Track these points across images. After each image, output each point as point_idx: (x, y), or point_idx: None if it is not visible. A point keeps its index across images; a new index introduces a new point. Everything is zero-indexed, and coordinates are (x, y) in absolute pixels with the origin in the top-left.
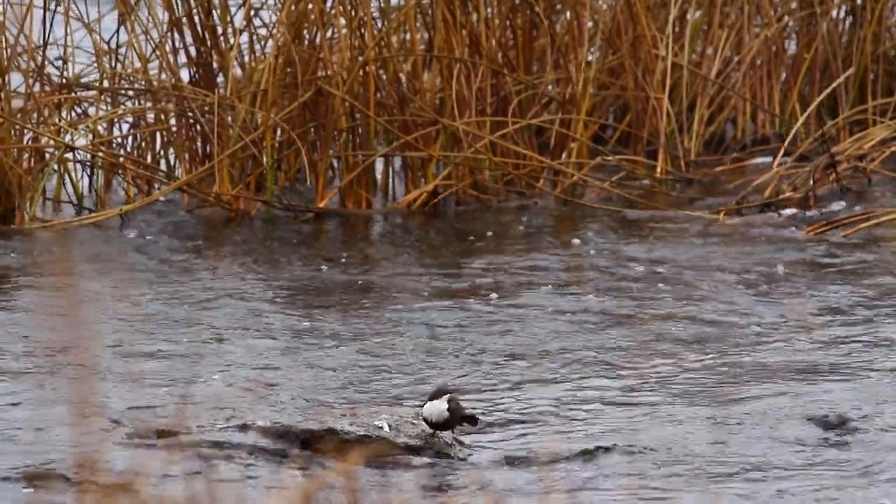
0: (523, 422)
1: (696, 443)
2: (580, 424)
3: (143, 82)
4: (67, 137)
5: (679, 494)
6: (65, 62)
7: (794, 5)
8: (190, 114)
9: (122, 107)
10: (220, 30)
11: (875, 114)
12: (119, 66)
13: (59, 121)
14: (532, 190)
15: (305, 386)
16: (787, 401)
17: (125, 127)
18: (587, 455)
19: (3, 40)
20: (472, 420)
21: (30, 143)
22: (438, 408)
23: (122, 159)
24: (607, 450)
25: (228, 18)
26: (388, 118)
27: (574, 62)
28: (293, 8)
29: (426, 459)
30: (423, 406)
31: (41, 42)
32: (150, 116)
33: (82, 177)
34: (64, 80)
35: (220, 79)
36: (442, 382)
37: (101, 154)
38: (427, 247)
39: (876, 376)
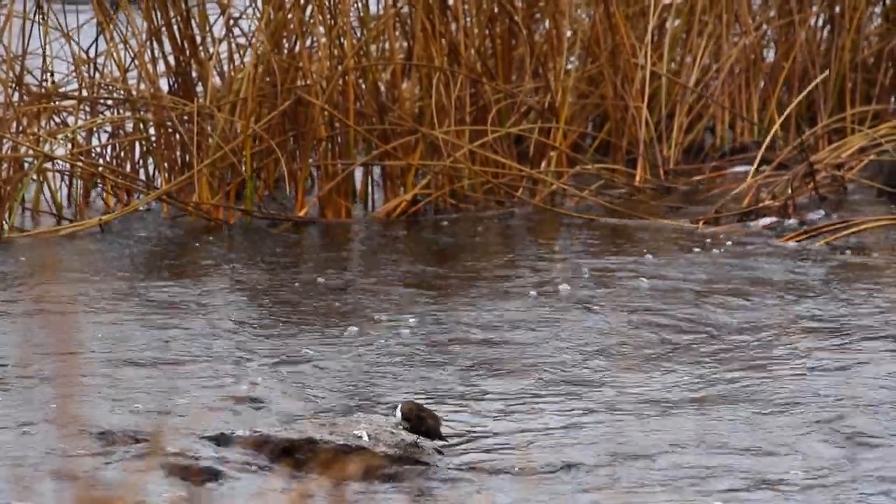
0: (506, 432)
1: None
2: (562, 436)
3: (122, 91)
4: (46, 147)
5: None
6: (45, 72)
7: (772, 14)
8: (169, 123)
9: (101, 116)
10: (199, 39)
11: (854, 122)
12: (98, 75)
13: (38, 130)
14: (511, 199)
15: (285, 395)
16: None
17: (104, 136)
18: (570, 466)
19: None
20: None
21: (8, 152)
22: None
23: (101, 169)
24: (588, 461)
25: (208, 28)
26: (367, 127)
27: (553, 71)
28: (272, 17)
29: (406, 469)
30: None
31: (20, 51)
32: (130, 126)
33: (61, 186)
34: (43, 90)
35: (199, 88)
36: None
37: (80, 164)
38: (406, 256)
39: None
